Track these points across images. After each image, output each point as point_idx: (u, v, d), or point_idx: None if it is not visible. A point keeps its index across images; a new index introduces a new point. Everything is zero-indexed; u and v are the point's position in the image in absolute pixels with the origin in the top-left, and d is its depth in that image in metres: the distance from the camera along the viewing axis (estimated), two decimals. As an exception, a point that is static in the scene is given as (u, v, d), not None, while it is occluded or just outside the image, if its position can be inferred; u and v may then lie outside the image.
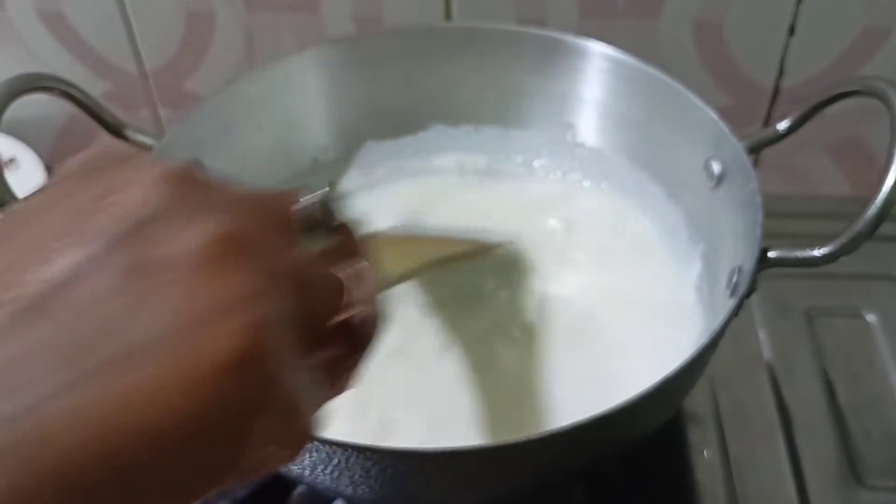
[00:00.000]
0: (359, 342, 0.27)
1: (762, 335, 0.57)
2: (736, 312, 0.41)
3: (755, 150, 0.48)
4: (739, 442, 0.52)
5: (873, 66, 0.65)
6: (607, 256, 0.55)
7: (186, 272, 0.21)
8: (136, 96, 0.73)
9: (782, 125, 0.48)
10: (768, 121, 0.69)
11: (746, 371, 0.55)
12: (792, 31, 0.64)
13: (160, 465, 0.20)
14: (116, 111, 0.72)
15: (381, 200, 0.58)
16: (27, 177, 0.71)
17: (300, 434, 0.24)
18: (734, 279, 0.44)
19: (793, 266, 0.42)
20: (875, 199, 0.41)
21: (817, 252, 0.42)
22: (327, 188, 0.28)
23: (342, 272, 0.26)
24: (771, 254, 0.43)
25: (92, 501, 0.19)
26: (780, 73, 0.66)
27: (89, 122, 0.73)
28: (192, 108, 0.51)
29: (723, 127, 0.48)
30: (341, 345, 0.26)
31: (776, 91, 0.67)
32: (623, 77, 0.54)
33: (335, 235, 0.27)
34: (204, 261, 0.21)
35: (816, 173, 0.71)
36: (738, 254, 0.45)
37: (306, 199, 0.26)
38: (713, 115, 0.49)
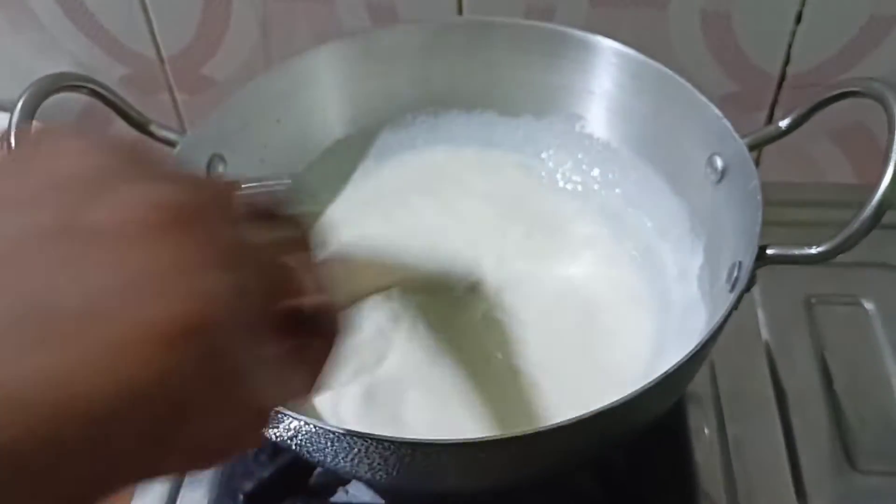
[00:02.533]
0: (319, 332, 0.26)
1: (762, 321, 0.59)
2: (735, 306, 0.43)
3: (756, 146, 0.49)
4: (738, 424, 0.54)
5: (880, 54, 0.66)
6: (610, 246, 0.56)
7: (129, 237, 0.20)
8: (155, 80, 0.74)
9: (783, 123, 0.49)
10: (774, 106, 0.70)
11: (746, 356, 0.57)
12: (799, 18, 0.65)
13: (95, 437, 0.19)
14: (135, 95, 0.74)
15: (393, 187, 0.60)
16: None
17: (256, 416, 0.23)
18: (734, 274, 0.46)
19: (790, 263, 0.44)
20: (872, 197, 0.42)
21: (814, 250, 0.44)
22: (279, 181, 0.28)
23: (291, 260, 0.25)
24: (769, 251, 0.44)
25: (25, 477, 0.18)
26: (787, 60, 0.67)
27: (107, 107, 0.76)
28: (213, 106, 0.53)
29: (726, 124, 0.50)
30: (301, 335, 0.25)
31: (783, 78, 0.68)
32: (630, 71, 0.55)
33: (284, 227, 0.27)
34: (147, 227, 0.21)
35: (822, 160, 0.72)
36: (738, 249, 0.47)
37: (252, 187, 0.27)
38: (717, 111, 0.50)
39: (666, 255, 0.55)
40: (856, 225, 0.42)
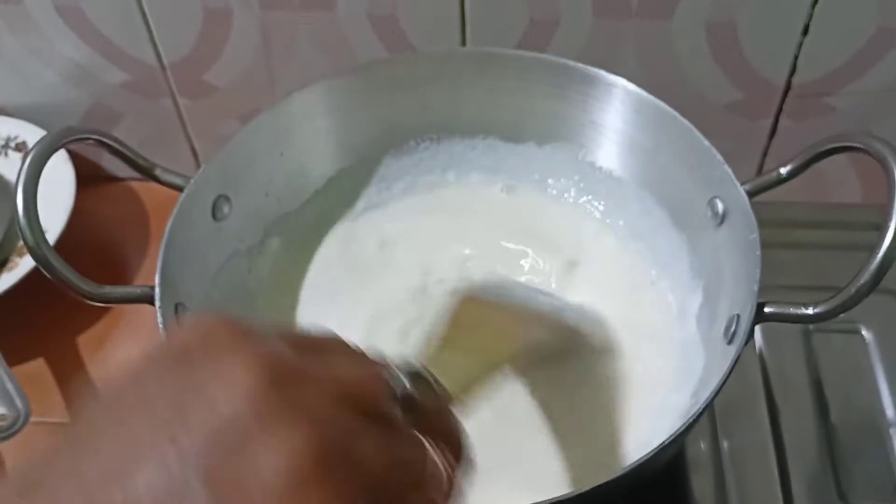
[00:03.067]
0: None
1: (759, 348, 0.60)
2: (734, 365, 0.44)
3: (756, 193, 0.49)
4: (733, 455, 0.55)
5: (886, 65, 0.66)
6: (609, 279, 0.57)
7: (274, 493, 0.22)
8: (156, 86, 0.74)
9: (784, 170, 0.49)
10: (779, 115, 0.70)
11: (742, 384, 0.58)
12: (806, 30, 0.64)
13: None
14: (137, 100, 0.74)
15: (400, 215, 0.61)
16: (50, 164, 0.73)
17: None
18: (733, 327, 0.47)
19: (788, 322, 0.45)
20: (873, 259, 0.42)
21: (811, 310, 0.44)
22: (413, 364, 0.29)
23: (426, 452, 0.28)
24: (767, 309, 0.45)
25: None
26: (793, 70, 0.67)
27: (111, 110, 0.76)
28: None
29: (727, 170, 0.50)
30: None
31: (788, 87, 0.68)
32: (634, 107, 0.55)
33: (424, 413, 0.28)
34: (290, 485, 0.22)
35: (831, 176, 0.72)
36: (736, 298, 0.48)
37: (396, 378, 0.28)
38: (719, 156, 0.51)
39: (665, 289, 0.55)
40: (855, 287, 0.43)
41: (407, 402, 0.28)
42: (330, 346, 0.28)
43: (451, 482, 0.28)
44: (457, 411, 0.32)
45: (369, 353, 0.29)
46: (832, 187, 0.73)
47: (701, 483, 0.55)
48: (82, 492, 0.22)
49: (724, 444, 0.57)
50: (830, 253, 0.65)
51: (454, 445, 0.30)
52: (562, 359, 0.53)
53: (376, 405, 0.26)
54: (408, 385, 0.29)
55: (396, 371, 0.29)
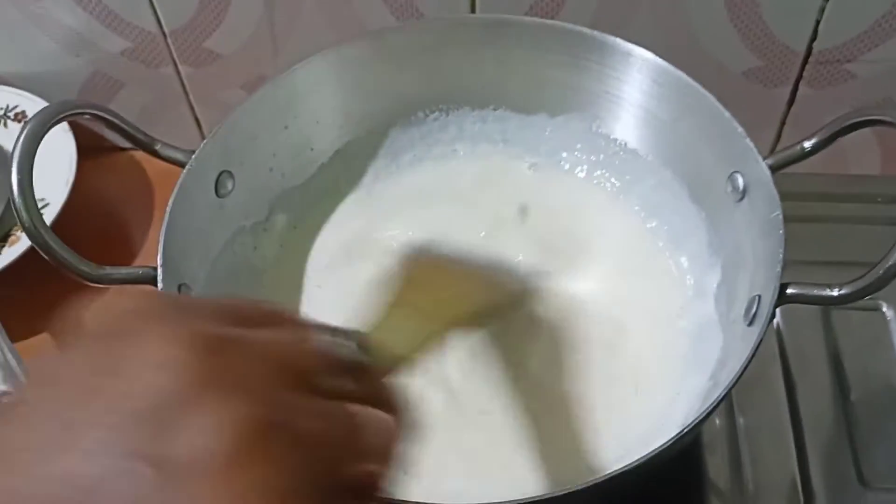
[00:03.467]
0: (364, 497, 0.27)
1: (776, 323, 0.58)
2: (756, 348, 0.42)
3: (778, 168, 0.47)
4: (750, 436, 0.54)
5: (909, 31, 0.63)
6: (623, 256, 0.55)
7: (208, 472, 0.21)
8: (158, 54, 0.72)
9: (808, 144, 0.48)
10: (798, 83, 0.68)
11: (758, 363, 0.56)
12: (829, -6, 0.62)
13: None
14: (139, 68, 0.73)
15: (407, 188, 0.59)
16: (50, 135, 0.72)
17: None
18: (753, 308, 0.45)
19: (811, 304, 0.43)
20: None
21: (835, 292, 0.43)
22: (355, 331, 0.29)
23: (365, 419, 0.27)
24: (789, 290, 0.43)
25: None
26: (814, 36, 0.65)
27: (111, 79, 0.74)
28: (219, 122, 0.51)
29: (749, 144, 0.48)
30: (350, 497, 0.26)
31: (808, 54, 0.66)
32: (651, 77, 0.53)
33: (361, 377, 0.28)
34: (221, 462, 0.22)
35: (849, 146, 0.70)
36: (757, 278, 0.46)
37: (331, 343, 0.27)
38: (740, 129, 0.49)
39: (682, 268, 0.54)
40: (883, 268, 0.41)
41: (348, 370, 0.28)
42: (267, 318, 0.28)
43: (387, 450, 0.27)
44: (404, 373, 0.31)
45: (310, 322, 0.29)
46: (850, 158, 0.71)
47: (716, 460, 0.54)
48: (9, 471, 0.21)
49: (740, 421, 0.56)
50: (848, 226, 0.63)
51: (395, 411, 0.29)
52: (553, 331, 0.52)
53: (311, 376, 0.26)
54: (348, 353, 0.28)
55: (338, 339, 0.28)
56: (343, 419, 0.26)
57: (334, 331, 0.29)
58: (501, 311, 0.51)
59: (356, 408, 0.27)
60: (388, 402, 0.29)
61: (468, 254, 0.52)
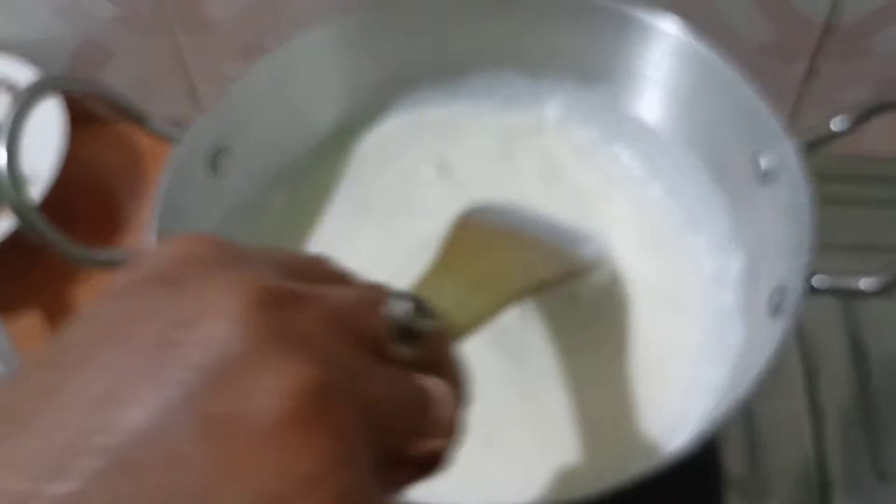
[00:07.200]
0: (424, 472, 0.26)
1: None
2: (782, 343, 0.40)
3: (808, 148, 0.45)
4: (767, 427, 0.53)
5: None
6: (639, 238, 0.53)
7: (268, 434, 0.20)
8: (151, 21, 0.69)
9: (836, 124, 0.45)
10: (815, 59, 0.65)
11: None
12: (852, -36, 0.59)
13: None
14: (134, 38, 0.70)
15: (413, 163, 0.57)
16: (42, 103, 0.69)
17: None
18: (777, 298, 0.43)
19: (838, 296, 0.41)
20: None
21: (863, 285, 0.41)
22: (412, 294, 0.26)
23: (433, 390, 0.26)
24: (816, 283, 0.41)
25: None
26: (834, 7, 0.62)
27: (103, 47, 0.71)
28: (216, 95, 0.49)
29: (776, 124, 0.46)
30: (406, 473, 0.25)
31: (826, 27, 0.63)
32: (672, 51, 0.51)
33: (422, 345, 0.26)
34: (284, 425, 0.20)
35: (866, 126, 0.67)
36: (779, 267, 0.44)
37: (395, 308, 0.25)
38: (766, 107, 0.46)
39: (701, 252, 0.51)
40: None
41: (406, 333, 0.26)
42: (327, 272, 0.27)
43: (452, 423, 0.26)
44: (454, 344, 0.30)
45: (376, 283, 0.27)
46: (867, 139, 0.69)
47: (732, 451, 0.53)
48: (62, 424, 0.19)
49: (757, 409, 0.54)
50: (868, 210, 0.61)
51: (455, 382, 0.27)
52: (580, 309, 0.51)
53: (381, 341, 0.25)
54: (407, 315, 0.26)
55: (396, 300, 0.26)
56: (413, 389, 0.25)
57: (400, 294, 0.26)
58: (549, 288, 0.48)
59: (425, 378, 0.26)
60: (452, 373, 0.28)
61: (527, 221, 0.50)
